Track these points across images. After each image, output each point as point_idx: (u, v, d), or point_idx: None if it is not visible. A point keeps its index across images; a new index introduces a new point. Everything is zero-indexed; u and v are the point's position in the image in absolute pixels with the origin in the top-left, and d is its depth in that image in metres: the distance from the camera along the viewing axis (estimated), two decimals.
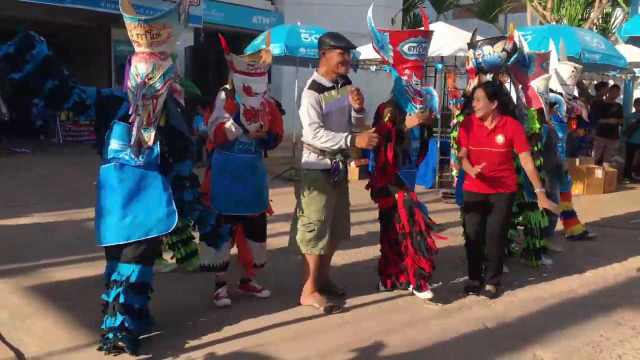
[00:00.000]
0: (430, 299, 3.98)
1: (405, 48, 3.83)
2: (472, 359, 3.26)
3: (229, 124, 3.63)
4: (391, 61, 3.93)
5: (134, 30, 2.98)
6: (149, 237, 3.13)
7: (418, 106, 3.87)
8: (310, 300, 3.89)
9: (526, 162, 4.07)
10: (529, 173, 4.09)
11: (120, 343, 3.05)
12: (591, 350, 3.37)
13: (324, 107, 3.69)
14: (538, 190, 4.06)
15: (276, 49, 8.89)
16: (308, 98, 3.68)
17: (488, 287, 4.23)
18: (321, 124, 3.66)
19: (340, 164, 3.76)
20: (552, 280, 4.63)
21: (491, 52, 4.44)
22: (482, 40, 4.66)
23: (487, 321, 3.76)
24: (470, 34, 5.01)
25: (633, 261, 5.24)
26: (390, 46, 3.86)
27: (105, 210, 3.15)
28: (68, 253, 4.90)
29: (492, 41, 4.54)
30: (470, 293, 4.24)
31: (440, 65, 9.02)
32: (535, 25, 12.23)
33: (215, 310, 3.80)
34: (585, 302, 4.18)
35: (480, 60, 4.54)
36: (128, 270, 3.12)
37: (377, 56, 6.23)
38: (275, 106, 3.97)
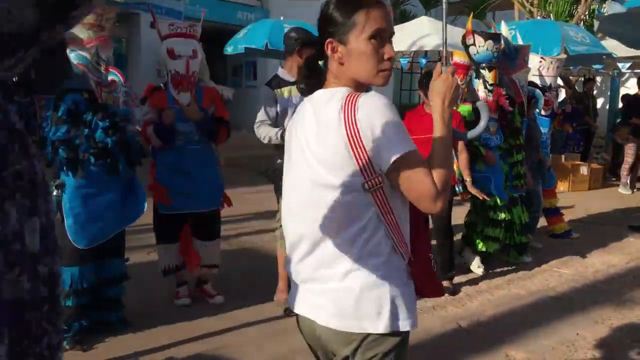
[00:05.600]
0: None
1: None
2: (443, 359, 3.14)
3: (150, 130, 3.51)
4: None
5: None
6: None
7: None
8: (276, 298, 3.75)
9: (460, 150, 4.14)
10: (461, 162, 4.12)
11: None
12: (566, 350, 3.25)
13: (279, 102, 3.55)
14: (467, 179, 4.12)
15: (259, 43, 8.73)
16: (262, 94, 3.64)
17: (445, 284, 4.11)
18: (267, 121, 3.55)
19: None
20: (529, 278, 4.51)
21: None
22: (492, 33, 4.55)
23: (461, 320, 3.64)
24: (455, 28, 4.93)
25: (614, 258, 5.13)
26: None
27: None
28: None
29: (494, 35, 4.47)
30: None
31: (424, 61, 8.89)
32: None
33: (175, 311, 3.64)
34: (563, 300, 4.07)
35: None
36: None
37: None
38: (215, 91, 3.73)
